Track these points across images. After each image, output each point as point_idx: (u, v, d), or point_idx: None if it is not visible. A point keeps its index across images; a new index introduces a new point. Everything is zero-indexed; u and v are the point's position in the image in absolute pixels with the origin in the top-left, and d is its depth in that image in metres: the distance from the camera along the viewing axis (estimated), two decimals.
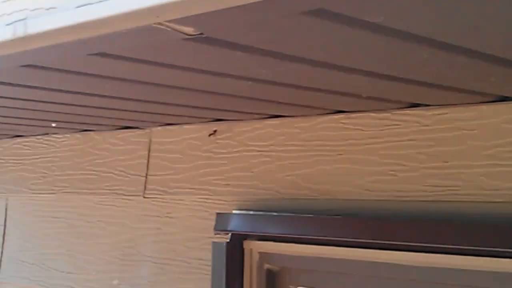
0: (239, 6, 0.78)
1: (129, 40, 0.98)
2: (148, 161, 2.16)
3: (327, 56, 1.09)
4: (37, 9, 1.00)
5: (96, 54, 1.08)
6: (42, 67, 1.22)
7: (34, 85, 1.41)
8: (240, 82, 1.31)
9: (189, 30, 0.91)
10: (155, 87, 1.39)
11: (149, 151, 2.16)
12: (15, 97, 1.62)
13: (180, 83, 1.37)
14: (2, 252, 2.61)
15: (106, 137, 2.28)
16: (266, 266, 1.87)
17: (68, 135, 2.39)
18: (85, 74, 1.26)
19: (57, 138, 2.43)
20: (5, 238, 2.61)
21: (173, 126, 2.10)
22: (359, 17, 0.84)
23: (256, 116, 1.87)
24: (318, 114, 1.78)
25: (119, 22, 0.91)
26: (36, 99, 1.62)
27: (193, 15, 0.85)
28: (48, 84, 1.40)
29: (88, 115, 1.95)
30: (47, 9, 0.98)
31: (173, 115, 1.93)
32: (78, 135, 2.36)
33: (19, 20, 1.01)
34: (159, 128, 2.14)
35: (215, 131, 2.02)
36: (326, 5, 0.80)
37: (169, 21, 0.88)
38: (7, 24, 1.03)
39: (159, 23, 0.88)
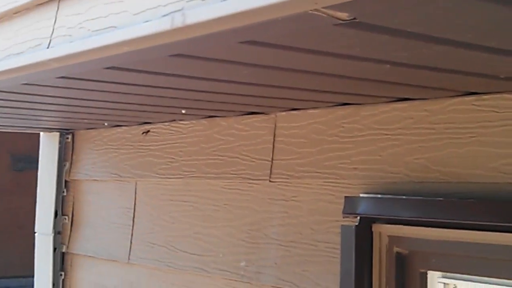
0: None
1: (281, 27, 1.01)
2: (273, 145, 2.20)
3: (474, 37, 1.08)
4: (193, 0, 1.05)
5: (246, 42, 1.12)
6: (189, 56, 1.28)
7: (177, 73, 1.48)
8: (378, 66, 1.32)
9: (343, 15, 0.94)
10: (291, 72, 1.43)
11: (274, 136, 2.20)
12: (153, 85, 1.70)
13: (317, 68, 1.39)
14: (132, 235, 2.73)
15: (232, 123, 2.34)
16: (396, 249, 1.88)
17: (195, 121, 2.47)
18: (229, 61, 1.31)
19: (184, 124, 2.52)
20: (135, 221, 2.73)
21: (298, 111, 2.13)
22: None
23: (383, 99, 1.87)
24: (447, 97, 1.76)
25: (275, 10, 0.94)
26: (173, 86, 1.69)
27: (350, 1, 0.87)
28: (190, 72, 1.46)
29: (216, 101, 2.01)
30: (203, 0, 1.03)
31: (299, 99, 1.96)
32: (204, 121, 2.44)
33: (176, 11, 1.06)
34: (284, 113, 2.18)
35: (148, 131, 2.26)
36: None
37: (326, 7, 0.90)
38: (164, 15, 1.09)
39: (316, 10, 0.91)
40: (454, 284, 1.83)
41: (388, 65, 1.31)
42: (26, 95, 1.92)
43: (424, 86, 1.63)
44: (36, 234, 3.18)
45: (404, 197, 1.83)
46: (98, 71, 1.48)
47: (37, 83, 1.67)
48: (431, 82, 1.57)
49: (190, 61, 1.30)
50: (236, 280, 2.29)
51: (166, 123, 2.59)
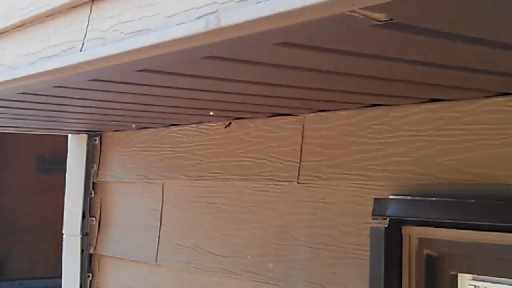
0: None
1: (317, 29, 1.01)
2: (301, 147, 2.20)
3: (510, 37, 1.07)
4: (228, 2, 1.05)
5: (280, 44, 1.12)
6: (222, 58, 1.28)
7: (209, 75, 1.48)
8: (411, 67, 1.31)
9: (380, 16, 0.93)
10: (323, 74, 1.42)
11: (302, 137, 2.20)
12: (184, 87, 1.70)
13: (349, 69, 1.39)
14: (159, 236, 2.74)
15: (259, 125, 2.34)
16: (426, 251, 1.86)
17: (222, 123, 2.48)
18: (262, 63, 1.31)
19: (211, 126, 2.53)
20: (162, 222, 2.74)
21: (327, 112, 2.13)
22: None
23: (413, 100, 1.86)
24: (480, 97, 1.75)
25: (311, 12, 0.94)
26: (204, 88, 1.70)
27: (388, 2, 0.86)
28: (222, 74, 1.47)
29: (245, 103, 2.01)
30: (238, 2, 1.03)
31: (328, 101, 1.95)
32: (232, 123, 2.44)
33: (211, 13, 1.06)
34: (312, 114, 2.17)
35: (230, 123, 2.31)
36: None
37: (363, 8, 0.90)
38: (198, 18, 1.09)
39: (353, 11, 0.91)
40: (485, 287, 1.81)
41: (421, 66, 1.30)
42: (56, 98, 1.93)
43: (456, 87, 1.62)
44: (64, 236, 3.21)
45: (434, 199, 1.81)
46: (130, 74, 1.49)
47: (68, 86, 1.68)
48: (463, 83, 1.56)
49: (223, 63, 1.30)
50: (263, 282, 2.29)
51: (194, 125, 2.60)
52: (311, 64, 1.32)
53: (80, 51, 1.38)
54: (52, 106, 2.11)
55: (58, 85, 1.64)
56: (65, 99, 1.95)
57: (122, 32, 1.29)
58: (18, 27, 1.63)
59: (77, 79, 1.54)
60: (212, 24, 1.05)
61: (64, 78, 1.51)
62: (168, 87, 1.68)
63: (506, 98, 1.70)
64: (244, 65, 1.33)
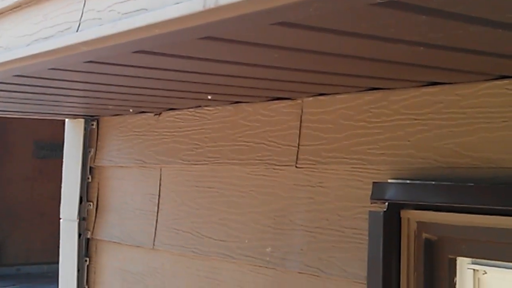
0: None
1: (316, 8, 0.99)
2: (299, 131, 2.19)
3: None
4: None
5: (278, 24, 1.10)
6: (219, 39, 1.26)
7: (206, 57, 1.46)
8: (412, 48, 1.30)
9: None
10: (322, 55, 1.41)
11: (300, 121, 2.19)
12: (181, 70, 1.68)
13: (348, 51, 1.37)
14: (157, 221, 2.73)
15: (257, 109, 2.33)
16: (424, 235, 1.86)
17: (220, 107, 2.46)
18: (259, 44, 1.29)
19: (209, 110, 2.51)
20: (160, 207, 2.73)
21: (325, 96, 2.11)
22: None
23: (413, 83, 1.85)
24: (479, 81, 1.73)
25: None
26: (201, 71, 1.68)
27: None
28: (219, 56, 1.45)
29: (243, 87, 2.00)
30: None
31: (327, 84, 1.94)
32: (229, 107, 2.42)
33: None
34: (311, 98, 2.16)
35: (160, 113, 2.38)
36: None
37: None
38: None
39: None
40: (484, 271, 1.81)
41: (422, 47, 1.29)
42: (52, 81, 1.91)
43: (456, 70, 1.61)
44: (61, 220, 3.20)
45: (433, 182, 1.80)
46: (127, 55, 1.47)
47: (64, 68, 1.67)
48: (464, 65, 1.55)
49: (220, 44, 1.29)
50: (261, 266, 2.29)
51: (191, 109, 2.58)
52: (310, 45, 1.30)
53: (77, 31, 1.36)
54: (48, 89, 2.10)
55: (53, 67, 1.62)
56: (61, 82, 1.93)
57: (119, 12, 1.27)
58: (14, 8, 1.61)
59: (73, 61, 1.52)
60: (211, 2, 1.03)
61: (60, 60, 1.50)
62: (165, 69, 1.66)
63: (506, 81, 1.68)
64: (242, 46, 1.31)
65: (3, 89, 2.10)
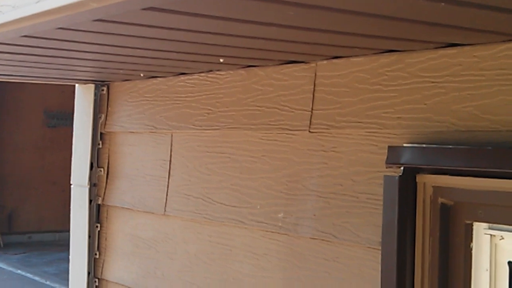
0: None
1: None
2: (313, 95, 2.15)
3: None
4: None
5: None
6: None
7: (217, 15, 1.42)
8: (432, 4, 1.25)
9: None
10: (338, 13, 1.36)
11: (314, 85, 2.15)
12: (192, 29, 1.64)
13: (366, 8, 1.33)
14: (168, 186, 2.71)
15: (270, 73, 2.28)
16: (440, 200, 1.82)
17: (232, 72, 2.42)
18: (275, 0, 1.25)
19: (221, 75, 2.47)
20: (171, 173, 2.71)
21: (340, 59, 2.06)
22: None
23: (430, 45, 1.80)
24: (498, 42, 1.68)
25: None
26: (213, 31, 1.64)
27: None
28: (232, 13, 1.41)
29: (256, 49, 1.95)
30: None
31: (341, 46, 1.89)
32: (241, 71, 2.38)
33: None
34: (325, 62, 2.11)
35: None
36: None
37: None
38: None
39: None
40: (501, 236, 1.78)
41: (443, 3, 1.24)
42: (61, 42, 1.88)
43: (475, 29, 1.56)
44: (72, 186, 3.19)
45: (450, 146, 1.76)
46: (136, 13, 1.43)
47: (73, 28, 1.63)
48: (484, 24, 1.50)
49: (234, 0, 1.24)
50: (273, 232, 2.27)
51: (203, 74, 2.54)
52: (326, 2, 1.26)
53: None
54: (57, 51, 2.06)
55: (63, 26, 1.58)
56: (70, 43, 1.89)
57: None
58: None
59: (82, 19, 1.48)
60: None
61: (69, 18, 1.46)
62: (175, 29, 1.62)
63: None
64: (257, 2, 1.27)
65: (12, 51, 2.07)
